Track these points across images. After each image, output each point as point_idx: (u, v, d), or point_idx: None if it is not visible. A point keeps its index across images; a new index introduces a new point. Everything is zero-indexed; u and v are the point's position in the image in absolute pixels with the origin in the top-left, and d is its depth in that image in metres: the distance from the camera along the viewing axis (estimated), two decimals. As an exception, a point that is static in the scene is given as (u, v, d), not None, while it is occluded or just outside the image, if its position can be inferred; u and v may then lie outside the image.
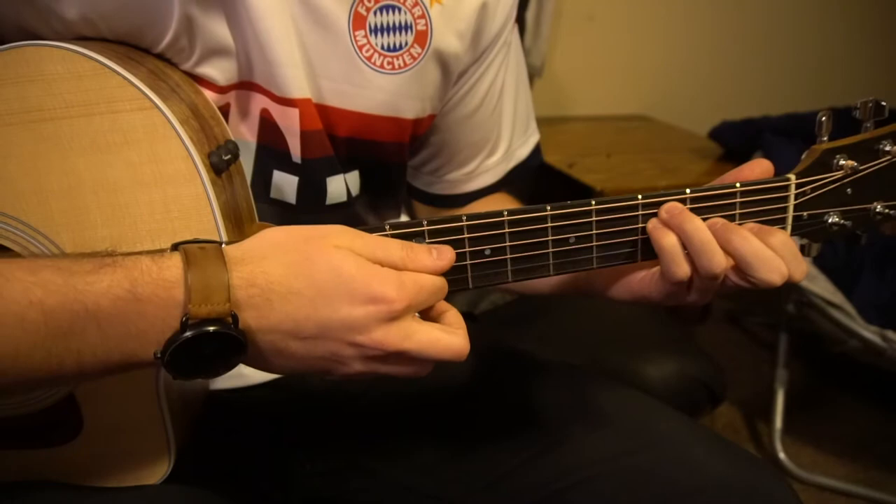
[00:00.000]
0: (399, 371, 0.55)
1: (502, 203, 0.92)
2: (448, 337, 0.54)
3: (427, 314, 0.58)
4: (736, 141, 2.04)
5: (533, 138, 0.94)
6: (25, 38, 0.58)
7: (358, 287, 0.51)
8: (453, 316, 0.57)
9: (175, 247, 0.52)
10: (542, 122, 0.95)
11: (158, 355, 0.50)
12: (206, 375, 0.53)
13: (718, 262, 0.60)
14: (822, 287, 1.68)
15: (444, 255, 0.56)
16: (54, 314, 0.48)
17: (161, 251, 0.52)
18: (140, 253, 0.51)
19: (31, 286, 0.48)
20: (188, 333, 0.49)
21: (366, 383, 0.81)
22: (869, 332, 1.60)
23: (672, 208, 0.61)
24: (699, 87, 2.54)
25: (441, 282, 0.56)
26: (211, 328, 0.49)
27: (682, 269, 0.61)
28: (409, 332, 0.53)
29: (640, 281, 0.67)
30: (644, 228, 0.62)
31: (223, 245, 0.53)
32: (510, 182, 0.92)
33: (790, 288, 1.75)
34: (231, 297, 0.50)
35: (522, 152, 0.92)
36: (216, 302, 0.49)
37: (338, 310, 0.51)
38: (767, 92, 2.56)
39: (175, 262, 0.50)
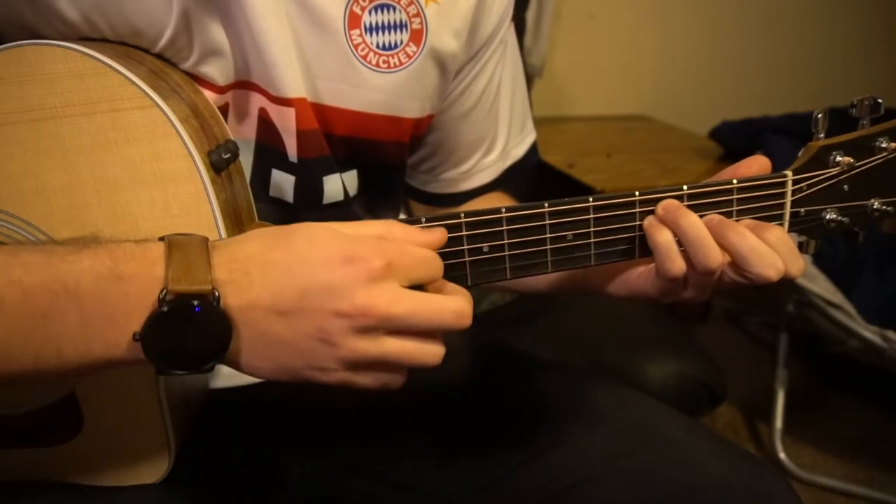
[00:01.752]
0: (401, 350, 0.51)
1: (499, 202, 0.92)
2: (443, 297, 0.52)
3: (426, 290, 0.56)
4: (736, 141, 2.04)
5: (529, 137, 0.94)
6: (28, 38, 0.58)
7: (334, 250, 0.50)
8: (452, 287, 0.55)
9: (161, 239, 0.51)
10: (542, 122, 0.96)
11: (137, 337, 0.48)
12: (191, 364, 0.50)
13: (714, 257, 0.59)
14: (822, 287, 1.68)
15: (434, 231, 0.55)
16: (34, 293, 0.47)
17: (146, 239, 0.51)
18: (125, 240, 0.51)
19: (12, 266, 0.47)
20: (165, 308, 0.48)
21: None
22: (869, 332, 1.60)
23: (668, 205, 0.61)
24: (699, 87, 2.54)
25: (431, 254, 0.54)
26: (193, 302, 0.48)
27: (677, 266, 0.61)
28: (398, 295, 0.50)
29: (638, 277, 0.67)
30: (642, 225, 0.62)
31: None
32: (507, 181, 0.92)
33: (790, 288, 1.75)
34: (213, 275, 0.49)
35: (519, 151, 0.93)
36: (196, 279, 0.48)
37: (315, 274, 0.49)
38: (767, 92, 2.56)
39: (158, 245, 0.50)
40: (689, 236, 0.60)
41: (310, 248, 0.50)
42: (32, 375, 0.50)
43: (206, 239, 0.51)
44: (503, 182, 0.92)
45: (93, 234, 0.51)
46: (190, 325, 0.48)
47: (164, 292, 0.48)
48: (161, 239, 0.51)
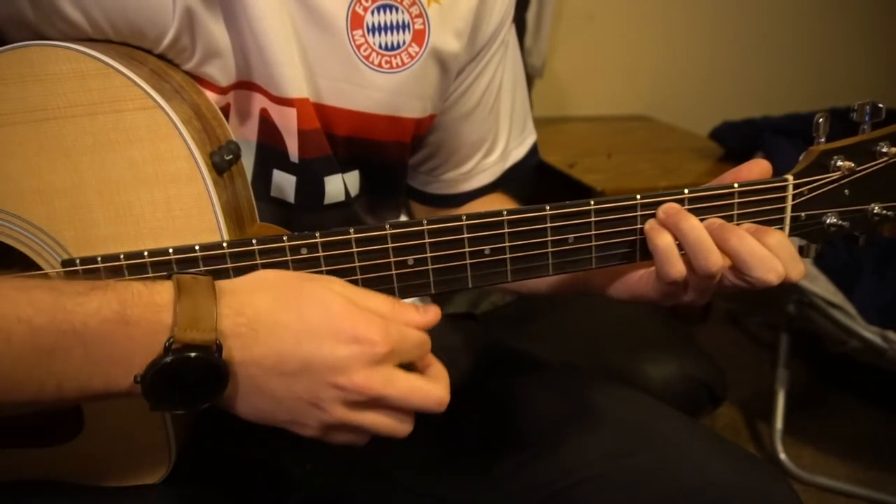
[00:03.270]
0: (379, 423, 0.54)
1: (499, 203, 0.92)
2: (429, 386, 0.54)
3: (412, 367, 0.57)
4: (736, 141, 2.03)
5: (530, 138, 0.94)
6: (31, 39, 0.58)
7: (344, 326, 0.51)
8: (437, 369, 0.57)
9: (169, 276, 0.52)
10: (543, 123, 0.96)
11: (138, 379, 0.49)
12: (183, 407, 0.52)
13: (714, 261, 0.60)
14: (822, 287, 1.68)
15: (429, 312, 0.56)
16: (41, 332, 0.48)
17: (154, 280, 0.52)
18: (133, 279, 0.52)
19: (21, 304, 0.48)
20: (169, 358, 0.49)
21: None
22: (869, 333, 1.60)
23: (669, 208, 0.61)
24: (699, 87, 2.54)
25: (425, 337, 0.56)
26: (193, 353, 0.49)
27: (677, 269, 0.61)
28: (392, 378, 0.52)
29: (638, 280, 0.67)
30: (643, 229, 0.62)
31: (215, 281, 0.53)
32: (507, 182, 0.92)
33: (791, 288, 1.75)
34: (217, 326, 0.50)
35: (519, 152, 0.93)
36: (202, 329, 0.49)
37: (322, 346, 0.51)
38: (767, 92, 2.56)
39: (166, 288, 0.51)
40: (690, 240, 0.60)
41: (321, 318, 0.52)
42: (33, 405, 0.51)
43: (213, 283, 0.52)
44: (504, 183, 0.92)
45: (103, 281, 0.51)
46: (190, 373, 0.50)
47: (170, 341, 0.49)
48: (169, 276, 0.52)
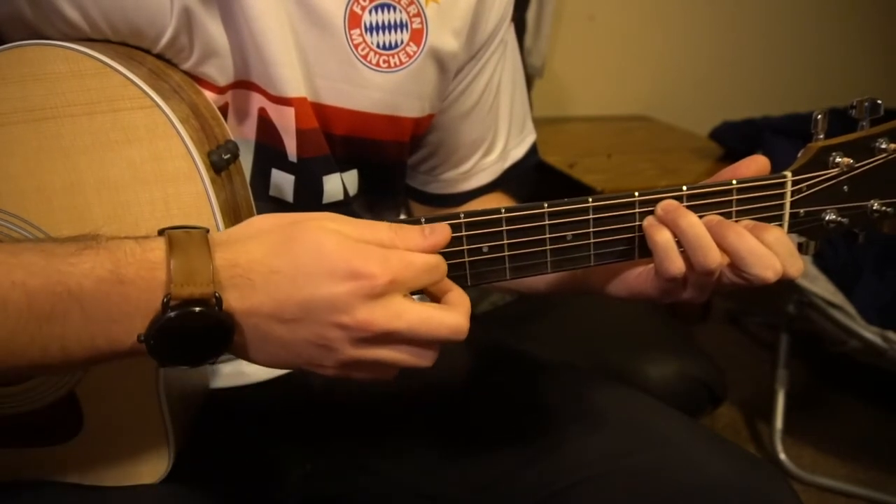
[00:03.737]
0: (396, 358, 0.52)
1: (498, 203, 0.92)
2: (441, 314, 0.52)
3: (429, 295, 0.56)
4: (736, 141, 2.04)
5: (529, 138, 0.94)
6: (30, 38, 0.58)
7: (338, 263, 0.49)
8: (456, 295, 0.56)
9: (161, 232, 0.51)
10: (543, 123, 0.96)
11: (142, 339, 0.49)
12: (193, 362, 0.51)
13: (713, 257, 0.59)
14: (822, 287, 1.68)
15: (437, 232, 0.55)
16: (37, 296, 0.47)
17: (146, 235, 0.51)
18: (125, 237, 0.51)
19: (13, 267, 0.48)
20: (171, 314, 0.48)
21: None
22: (869, 333, 1.60)
23: (668, 205, 0.61)
24: (699, 88, 2.54)
25: (435, 259, 0.54)
26: (195, 309, 0.48)
27: (676, 266, 0.60)
28: (399, 310, 0.50)
29: (637, 277, 0.67)
30: (641, 226, 0.62)
31: (209, 230, 0.52)
32: (506, 181, 0.92)
33: (791, 288, 1.75)
34: (214, 278, 0.49)
35: (518, 152, 0.93)
36: (199, 283, 0.48)
37: (318, 287, 0.49)
38: (767, 92, 2.56)
39: (159, 245, 0.50)
40: (688, 236, 0.60)
41: (315, 259, 0.50)
42: (40, 369, 0.51)
43: (207, 234, 0.51)
44: (503, 182, 0.92)
45: (92, 232, 0.51)
46: (193, 327, 0.49)
47: (167, 297, 0.48)
48: (161, 233, 0.51)
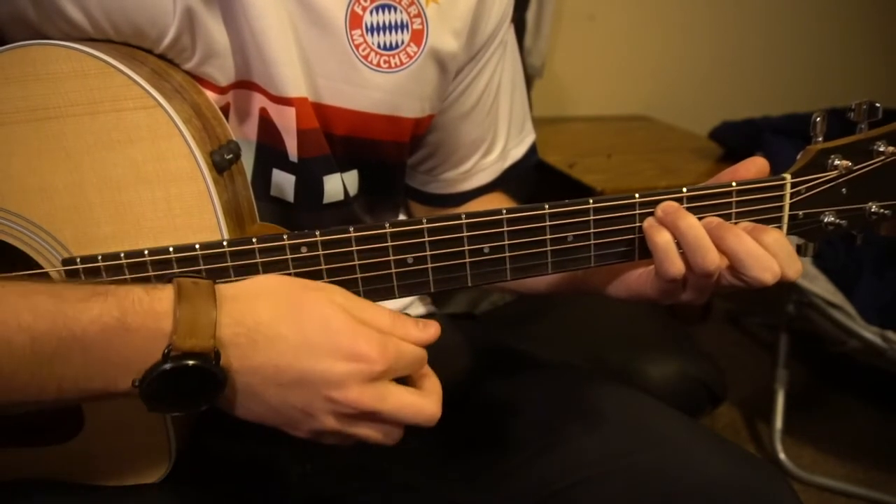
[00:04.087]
0: (368, 434, 0.55)
1: (498, 203, 0.92)
2: (421, 402, 0.54)
3: (406, 378, 0.58)
4: (736, 141, 2.03)
5: (529, 138, 0.94)
6: (32, 38, 0.58)
7: (343, 342, 0.52)
8: (430, 382, 0.57)
9: (169, 280, 0.53)
10: (543, 123, 0.96)
11: (136, 384, 0.50)
12: (182, 410, 0.53)
13: (712, 259, 0.60)
14: (822, 287, 1.68)
15: (429, 328, 0.57)
16: (42, 339, 0.49)
17: (154, 286, 0.52)
18: (134, 284, 0.52)
19: (22, 310, 0.49)
20: (167, 365, 0.49)
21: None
22: (869, 333, 1.60)
23: (667, 207, 0.62)
24: (699, 88, 2.54)
25: (422, 353, 0.56)
26: (190, 362, 0.49)
27: (676, 267, 0.61)
28: (385, 394, 0.53)
29: (637, 279, 0.68)
30: (641, 227, 0.63)
31: (217, 283, 0.53)
32: (506, 181, 0.92)
33: (791, 288, 1.75)
34: (216, 334, 0.50)
35: (518, 152, 0.93)
36: (201, 337, 0.50)
37: (320, 361, 0.52)
38: (767, 92, 2.56)
39: (167, 295, 0.51)
40: (688, 238, 0.60)
41: (321, 333, 0.52)
42: (33, 405, 0.52)
43: (214, 289, 0.52)
44: (503, 182, 0.92)
45: (103, 286, 0.52)
46: (187, 379, 0.50)
47: (168, 348, 0.50)
48: (169, 281, 0.53)
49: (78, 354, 0.49)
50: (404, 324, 0.56)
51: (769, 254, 0.60)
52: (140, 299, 0.51)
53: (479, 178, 0.90)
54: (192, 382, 0.50)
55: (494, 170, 0.91)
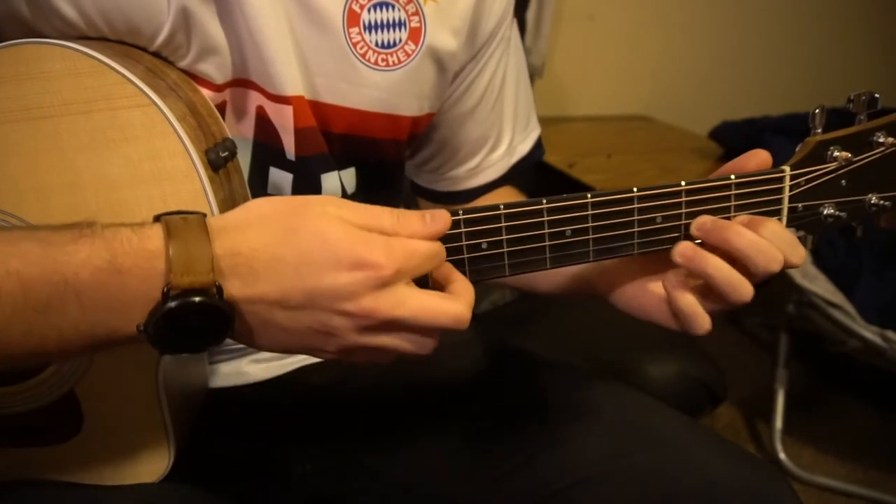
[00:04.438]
0: (396, 344, 0.53)
1: (507, 197, 0.93)
2: (444, 303, 0.52)
3: (433, 282, 0.56)
4: (736, 141, 2.04)
5: (534, 133, 0.94)
6: (26, 37, 0.58)
7: (343, 252, 0.49)
8: (459, 284, 0.56)
9: (157, 218, 0.51)
10: (543, 122, 0.96)
11: (141, 328, 0.49)
12: (193, 349, 0.51)
13: (748, 291, 0.60)
14: (822, 287, 1.68)
15: (437, 219, 0.55)
16: (32, 285, 0.47)
17: (142, 223, 0.50)
18: (121, 224, 0.50)
19: (9, 256, 0.47)
20: (171, 304, 0.48)
21: (366, 378, 0.81)
22: (869, 333, 1.60)
23: (685, 252, 0.62)
24: (699, 87, 2.55)
25: (436, 246, 0.54)
26: (196, 299, 0.48)
27: (706, 324, 0.62)
28: (402, 298, 0.51)
29: (657, 306, 0.68)
30: (640, 221, 0.62)
31: (206, 216, 0.51)
32: (514, 177, 0.92)
33: (791, 288, 1.75)
34: (214, 267, 0.49)
35: (524, 147, 0.93)
36: (199, 272, 0.48)
37: (323, 277, 0.49)
38: (767, 92, 2.56)
39: (156, 233, 0.49)
40: (718, 280, 0.61)
41: (319, 248, 0.50)
42: (39, 357, 0.51)
43: (205, 221, 0.50)
44: (511, 178, 0.92)
45: (88, 220, 0.50)
46: (193, 316, 0.49)
47: (167, 287, 0.48)
48: (157, 219, 0.51)
49: (73, 300, 0.48)
50: (408, 220, 0.54)
51: (772, 244, 0.60)
52: (128, 239, 0.48)
53: (486, 174, 0.90)
54: (199, 320, 0.49)
55: (502, 166, 0.91)
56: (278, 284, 0.50)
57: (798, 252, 0.61)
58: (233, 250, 0.50)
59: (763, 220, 0.61)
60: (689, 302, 0.61)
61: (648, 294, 0.68)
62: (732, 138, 2.06)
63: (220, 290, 0.49)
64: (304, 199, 0.53)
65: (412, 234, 0.53)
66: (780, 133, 1.93)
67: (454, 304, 0.53)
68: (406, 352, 0.54)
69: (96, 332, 0.49)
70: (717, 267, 0.60)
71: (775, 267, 0.60)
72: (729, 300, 0.61)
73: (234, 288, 0.50)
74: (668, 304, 0.65)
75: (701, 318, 0.62)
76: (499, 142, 0.90)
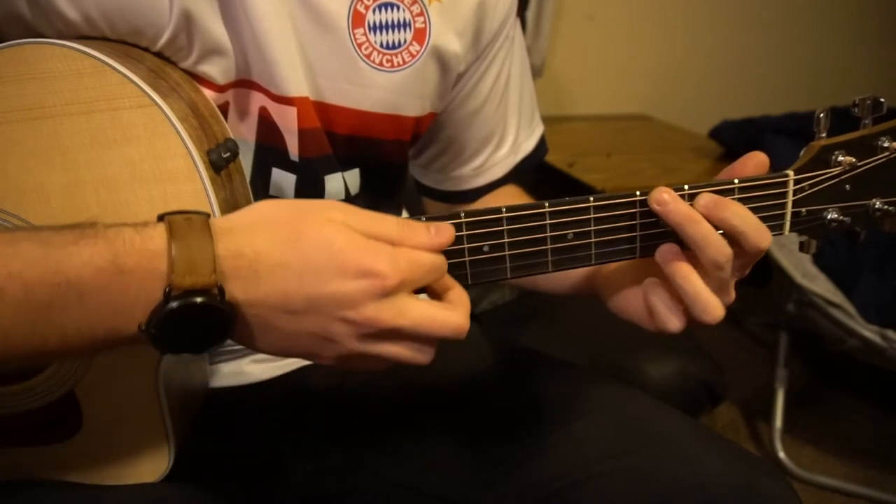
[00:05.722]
0: (396, 353, 0.53)
1: (512, 195, 0.93)
2: (444, 313, 0.53)
3: (430, 292, 0.57)
4: (736, 140, 2.04)
5: (538, 130, 0.94)
6: (28, 37, 0.58)
7: (349, 261, 0.49)
8: (456, 294, 0.56)
9: (160, 217, 0.50)
10: (542, 122, 0.96)
11: (143, 328, 0.49)
12: (194, 350, 0.51)
13: (766, 236, 0.61)
14: (822, 287, 1.68)
15: (442, 232, 0.55)
16: (34, 287, 0.47)
17: (145, 223, 0.50)
18: (123, 224, 0.50)
19: (10, 258, 0.47)
20: (172, 304, 0.48)
21: (366, 378, 0.81)
22: (869, 332, 1.60)
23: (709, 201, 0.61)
24: (699, 87, 2.55)
25: (439, 259, 0.55)
26: (197, 299, 0.48)
27: (676, 321, 0.63)
28: (403, 308, 0.51)
29: (637, 313, 0.68)
30: (642, 224, 0.62)
31: (210, 217, 0.51)
32: (518, 175, 0.92)
33: (790, 288, 1.75)
34: (217, 268, 0.48)
35: (529, 145, 0.93)
36: (201, 273, 0.48)
37: (327, 284, 0.49)
38: (767, 92, 2.56)
39: (159, 233, 0.49)
40: (736, 225, 0.61)
41: (324, 255, 0.50)
42: (41, 357, 0.51)
43: (208, 222, 0.50)
44: (515, 176, 0.92)
45: (90, 220, 0.50)
46: (194, 317, 0.49)
47: (168, 288, 0.48)
48: (160, 218, 0.50)
49: (74, 301, 0.48)
50: (413, 231, 0.54)
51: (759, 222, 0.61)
52: (131, 239, 0.48)
53: (492, 172, 0.90)
54: (200, 321, 0.49)
55: (507, 164, 0.91)
56: (281, 289, 0.50)
57: (767, 235, 0.62)
58: (236, 252, 0.49)
59: (730, 201, 0.61)
60: (663, 298, 0.62)
61: (630, 293, 0.69)
62: (732, 138, 2.06)
63: (221, 291, 0.49)
64: (311, 203, 0.53)
65: (417, 244, 0.53)
66: (780, 132, 1.93)
67: (454, 314, 0.53)
68: (405, 360, 0.54)
69: (98, 334, 0.49)
70: (736, 212, 0.61)
71: (765, 244, 0.61)
72: (694, 314, 0.62)
73: (237, 290, 0.50)
74: (644, 300, 0.66)
75: (673, 316, 0.62)
76: (503, 140, 0.90)
